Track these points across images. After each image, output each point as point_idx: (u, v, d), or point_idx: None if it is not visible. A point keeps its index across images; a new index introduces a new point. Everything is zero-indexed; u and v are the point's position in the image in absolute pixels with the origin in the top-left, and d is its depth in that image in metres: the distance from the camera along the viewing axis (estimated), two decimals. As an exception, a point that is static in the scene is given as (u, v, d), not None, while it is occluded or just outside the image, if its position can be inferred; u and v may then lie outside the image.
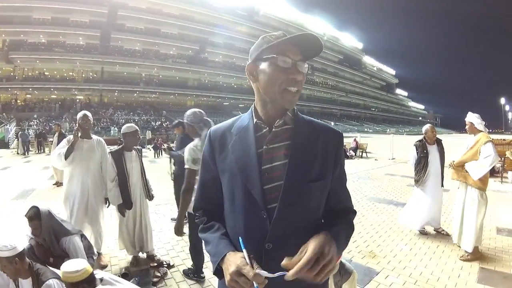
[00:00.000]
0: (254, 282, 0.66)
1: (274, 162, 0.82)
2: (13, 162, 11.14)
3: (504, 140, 9.95)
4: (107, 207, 2.96)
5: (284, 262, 0.68)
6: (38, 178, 7.57)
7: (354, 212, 0.94)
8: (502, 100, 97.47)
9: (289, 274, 0.65)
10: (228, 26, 41.17)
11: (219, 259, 0.77)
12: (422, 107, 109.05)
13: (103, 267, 2.76)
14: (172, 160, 4.24)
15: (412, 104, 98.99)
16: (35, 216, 1.89)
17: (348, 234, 0.86)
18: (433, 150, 3.59)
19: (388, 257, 3.02)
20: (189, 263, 2.77)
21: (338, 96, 60.45)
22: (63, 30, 32.25)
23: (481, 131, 3.01)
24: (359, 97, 66.50)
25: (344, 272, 1.63)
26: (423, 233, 3.62)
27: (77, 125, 2.84)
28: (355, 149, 13.72)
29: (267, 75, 0.79)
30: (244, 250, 0.74)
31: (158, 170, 8.70)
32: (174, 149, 4.08)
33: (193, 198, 2.19)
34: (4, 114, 24.73)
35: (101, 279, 1.54)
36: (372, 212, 4.68)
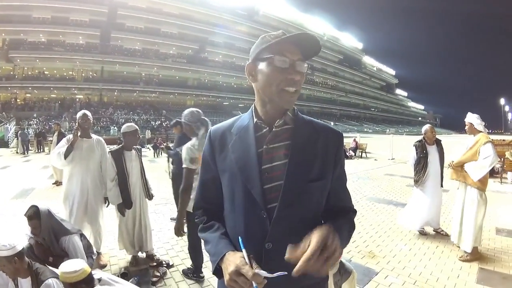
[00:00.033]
0: (253, 282, 0.66)
1: (274, 162, 0.82)
2: (12, 161, 11.13)
3: (503, 140, 9.96)
4: (107, 206, 2.96)
5: (288, 254, 0.67)
6: (38, 177, 7.56)
7: (355, 212, 0.94)
8: (502, 101, 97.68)
9: (296, 270, 0.64)
10: (228, 26, 41.14)
11: (219, 259, 0.77)
12: (422, 107, 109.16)
13: (102, 266, 2.76)
14: (170, 159, 4.25)
15: (411, 104, 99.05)
16: (35, 215, 1.89)
17: (350, 230, 0.87)
18: (432, 151, 3.59)
19: (387, 257, 3.02)
20: (188, 263, 2.77)
21: (337, 96, 60.46)
22: (63, 29, 32.18)
23: (481, 131, 3.01)
24: (359, 97, 66.52)
25: (344, 272, 1.63)
26: (422, 233, 3.63)
27: (76, 124, 2.84)
28: (354, 149, 13.72)
29: (265, 75, 0.79)
30: (243, 250, 0.74)
31: (157, 169, 8.69)
32: (172, 148, 4.08)
33: (191, 197, 2.19)
34: (3, 113, 24.68)
35: (100, 279, 1.54)
36: (371, 212, 4.69)
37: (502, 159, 7.38)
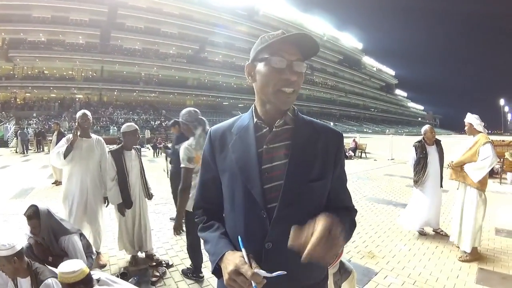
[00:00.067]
0: (252, 282, 0.67)
1: (274, 161, 0.82)
2: (12, 161, 11.12)
3: (503, 141, 9.96)
4: (106, 206, 2.95)
5: (291, 241, 0.68)
6: (37, 177, 7.56)
7: (355, 211, 0.94)
8: (502, 101, 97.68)
9: (304, 257, 0.64)
10: (228, 26, 41.14)
11: (218, 258, 0.77)
12: (422, 107, 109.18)
13: (102, 266, 2.76)
14: (168, 159, 4.25)
15: (411, 104, 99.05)
16: (34, 215, 1.89)
17: (351, 226, 0.87)
18: (432, 151, 3.59)
19: (387, 258, 3.02)
20: (188, 263, 2.77)
21: (337, 96, 60.46)
22: (63, 29, 32.15)
23: (480, 132, 3.01)
24: (359, 97, 66.53)
25: (344, 271, 1.64)
26: (422, 233, 3.63)
27: (76, 124, 2.84)
28: (354, 150, 13.72)
29: (262, 76, 0.79)
30: (243, 250, 0.74)
31: (157, 169, 8.68)
32: (170, 147, 4.08)
33: (190, 196, 2.20)
34: (3, 112, 24.68)
35: (98, 280, 1.54)
36: (371, 212, 4.69)
37: (502, 159, 7.38)
